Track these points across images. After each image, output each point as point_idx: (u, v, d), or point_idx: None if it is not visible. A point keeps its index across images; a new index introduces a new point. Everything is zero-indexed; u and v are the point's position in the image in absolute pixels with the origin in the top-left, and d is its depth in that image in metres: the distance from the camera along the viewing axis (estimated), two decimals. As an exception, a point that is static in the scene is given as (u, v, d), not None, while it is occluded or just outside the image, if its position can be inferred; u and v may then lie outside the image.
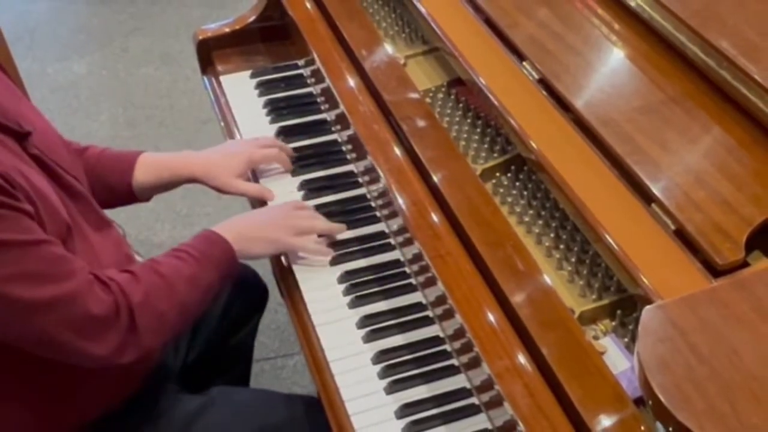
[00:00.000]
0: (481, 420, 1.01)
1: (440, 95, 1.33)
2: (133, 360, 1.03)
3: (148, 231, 2.29)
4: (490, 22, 1.26)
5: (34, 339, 0.98)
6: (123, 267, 1.11)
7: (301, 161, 1.37)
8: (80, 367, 1.03)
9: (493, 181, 1.18)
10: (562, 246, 1.08)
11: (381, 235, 1.24)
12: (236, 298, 1.41)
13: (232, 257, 1.14)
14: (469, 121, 1.27)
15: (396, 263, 1.20)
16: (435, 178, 1.13)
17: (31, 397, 1.07)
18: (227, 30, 1.59)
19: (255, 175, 1.35)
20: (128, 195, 1.30)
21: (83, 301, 0.97)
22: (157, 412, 1.17)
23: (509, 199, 1.15)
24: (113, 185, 1.28)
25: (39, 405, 1.08)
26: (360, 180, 1.32)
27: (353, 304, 1.15)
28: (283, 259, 1.22)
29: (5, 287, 0.92)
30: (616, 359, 0.95)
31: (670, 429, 0.75)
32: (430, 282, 1.10)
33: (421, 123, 1.21)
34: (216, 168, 1.29)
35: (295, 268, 1.20)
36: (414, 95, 1.26)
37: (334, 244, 1.22)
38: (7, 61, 2.02)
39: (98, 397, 1.12)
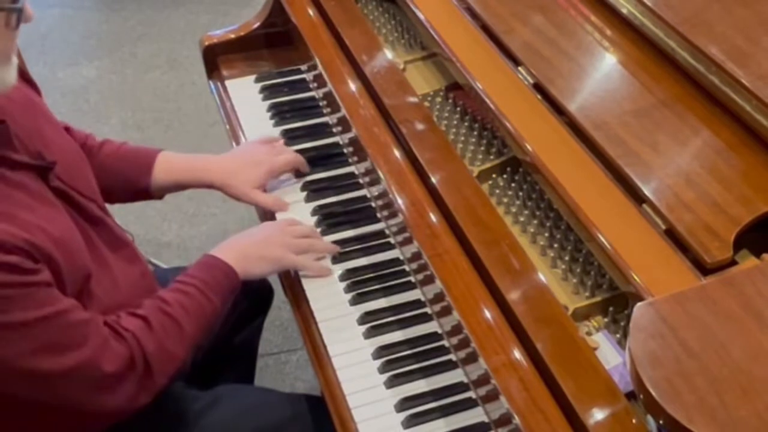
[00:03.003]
0: (478, 413, 1.02)
1: (438, 99, 1.34)
2: (148, 402, 1.05)
3: (155, 231, 2.31)
4: (486, 29, 1.27)
5: (53, 402, 0.99)
6: (139, 284, 1.11)
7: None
8: None
9: (490, 182, 1.19)
10: (556, 245, 1.09)
11: (381, 234, 1.25)
12: (242, 299, 1.41)
13: (235, 280, 1.14)
14: (466, 124, 1.29)
15: (395, 261, 1.21)
16: (433, 180, 1.14)
17: (37, 409, 1.06)
18: (232, 36, 1.61)
19: None
20: (145, 193, 1.31)
21: (100, 361, 0.98)
22: (164, 409, 1.17)
23: (505, 200, 1.16)
24: (131, 183, 1.28)
25: (44, 415, 1.07)
26: (361, 181, 1.34)
27: (354, 301, 1.17)
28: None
29: (27, 362, 0.93)
30: (609, 354, 0.96)
31: (661, 422, 0.76)
32: (429, 280, 1.12)
33: (419, 126, 1.22)
34: (235, 177, 1.29)
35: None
36: (413, 99, 1.27)
37: (336, 243, 1.24)
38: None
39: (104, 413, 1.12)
